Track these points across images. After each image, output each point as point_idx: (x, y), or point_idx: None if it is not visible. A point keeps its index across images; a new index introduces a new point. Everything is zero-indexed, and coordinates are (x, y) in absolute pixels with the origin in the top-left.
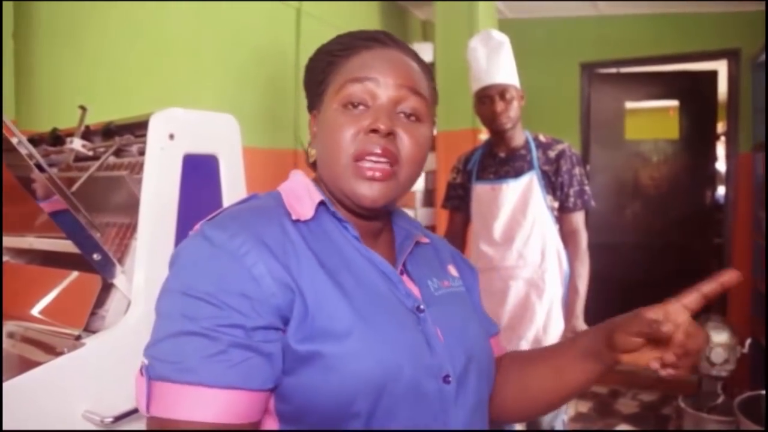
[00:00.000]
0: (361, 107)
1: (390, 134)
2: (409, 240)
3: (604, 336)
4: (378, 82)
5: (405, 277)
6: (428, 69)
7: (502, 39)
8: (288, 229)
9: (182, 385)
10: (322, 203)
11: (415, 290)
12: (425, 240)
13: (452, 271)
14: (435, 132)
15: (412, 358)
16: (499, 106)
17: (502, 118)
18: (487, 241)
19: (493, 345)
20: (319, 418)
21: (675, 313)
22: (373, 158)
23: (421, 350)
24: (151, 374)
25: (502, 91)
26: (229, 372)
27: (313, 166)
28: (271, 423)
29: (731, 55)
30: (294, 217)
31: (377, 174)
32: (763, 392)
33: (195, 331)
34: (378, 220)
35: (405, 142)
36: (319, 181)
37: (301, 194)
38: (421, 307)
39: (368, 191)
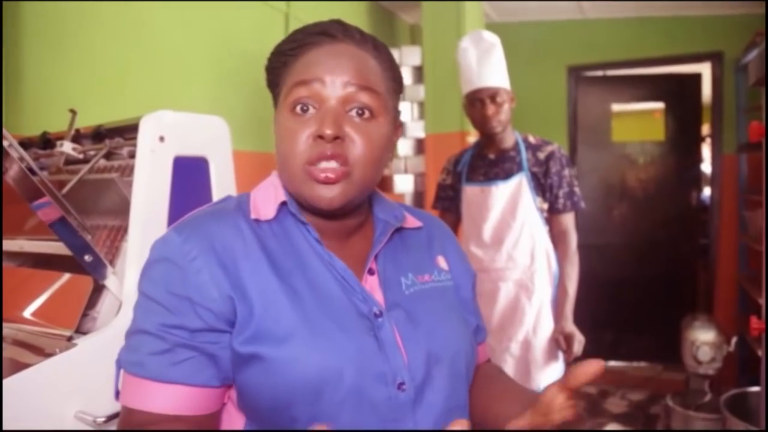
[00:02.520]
0: (310, 110)
1: (337, 138)
2: (384, 235)
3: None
4: (324, 83)
5: (374, 277)
6: (387, 58)
7: (494, 40)
8: (243, 230)
9: (135, 377)
10: (284, 204)
11: (378, 293)
12: (415, 224)
13: (441, 263)
14: (425, 134)
15: (355, 365)
16: (490, 109)
17: (492, 121)
18: (477, 243)
19: (482, 349)
20: (263, 419)
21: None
22: (323, 162)
23: (370, 357)
24: (119, 364)
25: (493, 95)
26: (173, 369)
27: None
28: (237, 415)
29: (715, 58)
30: (254, 216)
31: (330, 176)
32: (749, 389)
33: (147, 329)
34: (348, 219)
35: (356, 144)
36: None
37: (268, 195)
38: (378, 311)
39: (325, 193)
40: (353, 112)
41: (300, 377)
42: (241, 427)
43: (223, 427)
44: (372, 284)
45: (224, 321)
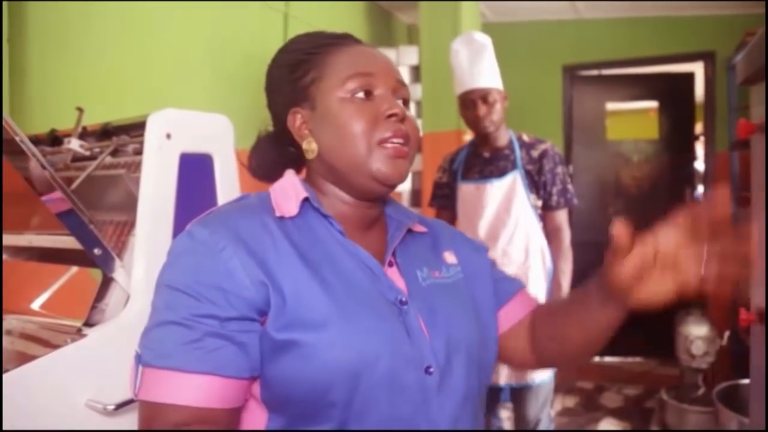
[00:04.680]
0: (369, 96)
1: (405, 118)
2: (400, 231)
3: (607, 280)
4: (377, 75)
5: (393, 269)
6: None
7: (484, 41)
8: (269, 225)
9: (162, 369)
10: (306, 200)
11: (400, 282)
12: (421, 229)
13: (449, 258)
14: (422, 133)
15: (389, 349)
16: (482, 110)
17: (485, 121)
18: None
19: (519, 301)
20: (297, 406)
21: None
22: (396, 139)
23: (401, 341)
24: (139, 361)
25: (484, 95)
26: (204, 359)
27: (275, 168)
28: (259, 410)
29: (707, 57)
30: (278, 214)
31: (402, 151)
32: (741, 381)
33: (174, 320)
34: (376, 208)
35: (410, 125)
36: (313, 176)
37: (288, 193)
38: (403, 299)
39: (395, 169)
40: (399, 101)
41: (337, 361)
42: (264, 422)
43: (244, 423)
44: (393, 275)
45: (255, 309)
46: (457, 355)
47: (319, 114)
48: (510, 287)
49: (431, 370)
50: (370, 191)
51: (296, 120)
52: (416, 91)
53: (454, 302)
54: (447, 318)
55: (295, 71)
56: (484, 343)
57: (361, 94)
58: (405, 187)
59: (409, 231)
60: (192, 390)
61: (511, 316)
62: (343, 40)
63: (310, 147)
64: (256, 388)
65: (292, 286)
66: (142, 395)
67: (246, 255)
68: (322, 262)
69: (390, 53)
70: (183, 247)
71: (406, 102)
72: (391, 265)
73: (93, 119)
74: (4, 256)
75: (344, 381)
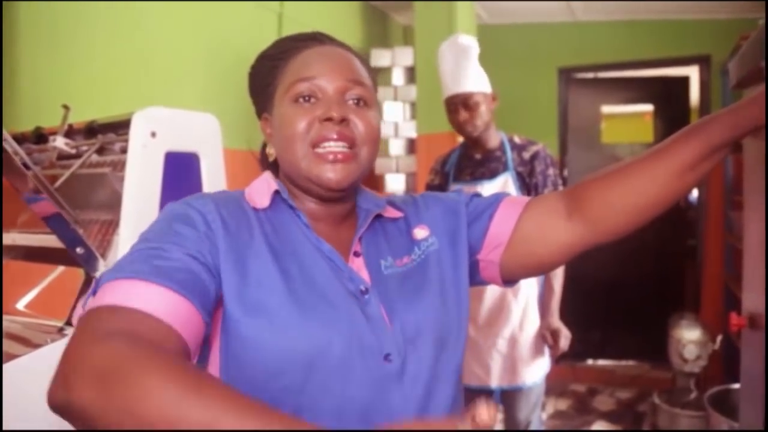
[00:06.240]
0: (312, 100)
1: (343, 120)
2: (366, 221)
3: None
4: (324, 77)
5: (359, 259)
6: (367, 63)
7: (468, 43)
8: (247, 210)
9: (116, 281)
10: (277, 192)
11: (364, 272)
12: (394, 214)
13: (419, 234)
14: (416, 134)
15: (344, 337)
16: (463, 115)
17: (468, 126)
18: None
19: (506, 207)
20: (252, 390)
21: None
22: (331, 143)
23: (359, 330)
24: (92, 290)
25: (465, 100)
26: (163, 272)
27: (273, 166)
28: None
29: (702, 61)
30: (251, 206)
31: (339, 156)
32: (732, 386)
33: (139, 247)
34: (344, 204)
35: (359, 125)
36: (282, 179)
37: (262, 187)
38: (364, 289)
39: (332, 174)
40: (351, 101)
41: (289, 346)
42: None
43: None
44: (358, 265)
45: (216, 270)
46: (423, 342)
47: (272, 119)
48: (490, 204)
49: (391, 357)
50: (316, 194)
51: (266, 126)
52: (411, 93)
53: (419, 287)
54: (410, 305)
55: (264, 79)
56: (453, 323)
57: (302, 99)
58: (399, 189)
59: (382, 219)
60: (148, 296)
61: (505, 222)
62: (307, 42)
63: (270, 151)
64: (216, 371)
65: (257, 271)
66: (87, 307)
67: (224, 221)
68: (287, 254)
69: (385, 54)
70: (169, 208)
71: (362, 100)
72: (358, 255)
73: (84, 118)
74: None
75: (297, 367)
